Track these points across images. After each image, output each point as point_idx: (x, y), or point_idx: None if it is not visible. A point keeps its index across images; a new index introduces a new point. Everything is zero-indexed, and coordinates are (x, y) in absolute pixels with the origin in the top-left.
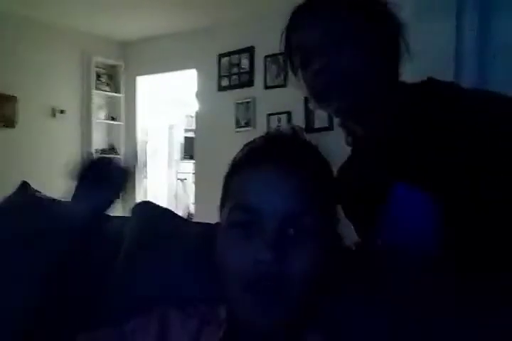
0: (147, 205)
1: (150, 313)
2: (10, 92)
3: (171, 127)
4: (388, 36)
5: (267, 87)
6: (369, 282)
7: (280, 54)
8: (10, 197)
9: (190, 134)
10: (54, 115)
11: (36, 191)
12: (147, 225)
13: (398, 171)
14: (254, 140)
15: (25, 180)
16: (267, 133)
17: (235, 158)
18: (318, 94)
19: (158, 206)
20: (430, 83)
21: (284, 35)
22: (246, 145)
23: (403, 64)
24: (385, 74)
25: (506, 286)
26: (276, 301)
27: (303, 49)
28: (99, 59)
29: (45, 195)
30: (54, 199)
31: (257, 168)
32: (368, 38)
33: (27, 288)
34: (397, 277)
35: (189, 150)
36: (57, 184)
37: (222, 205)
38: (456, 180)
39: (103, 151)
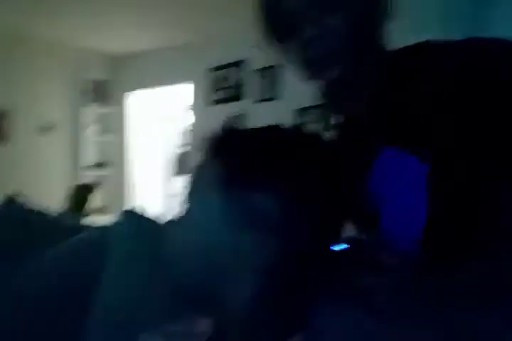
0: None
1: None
2: None
3: (163, 143)
4: None
5: (257, 100)
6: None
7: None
8: None
9: (184, 149)
10: (44, 132)
11: (24, 203)
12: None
13: (389, 137)
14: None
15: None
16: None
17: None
18: (313, 62)
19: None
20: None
21: (263, 2)
22: None
23: (390, 23)
24: (374, 36)
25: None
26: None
27: (289, 16)
28: (89, 75)
29: (33, 205)
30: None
31: None
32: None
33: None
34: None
35: (183, 165)
36: (47, 200)
37: None
38: (449, 143)
39: (93, 167)
